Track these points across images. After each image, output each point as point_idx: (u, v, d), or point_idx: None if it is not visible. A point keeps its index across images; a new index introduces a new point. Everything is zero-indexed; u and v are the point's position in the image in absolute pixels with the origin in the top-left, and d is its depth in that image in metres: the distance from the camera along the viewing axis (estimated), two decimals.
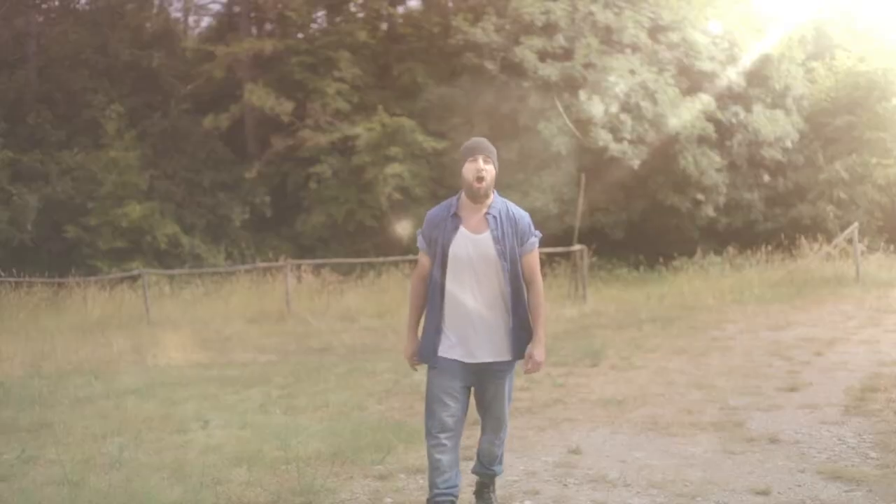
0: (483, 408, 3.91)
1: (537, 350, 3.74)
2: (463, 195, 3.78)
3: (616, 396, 6.91)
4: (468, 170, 3.71)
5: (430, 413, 3.74)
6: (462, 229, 3.73)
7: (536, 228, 3.87)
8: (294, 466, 4.96)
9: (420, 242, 3.85)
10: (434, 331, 3.76)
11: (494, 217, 3.73)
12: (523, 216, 3.80)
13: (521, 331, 3.77)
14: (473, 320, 3.71)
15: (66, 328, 12.30)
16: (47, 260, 18.04)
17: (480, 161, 3.70)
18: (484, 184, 3.70)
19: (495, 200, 3.79)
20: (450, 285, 3.71)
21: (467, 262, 3.69)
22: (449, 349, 3.74)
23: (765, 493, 4.39)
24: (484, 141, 3.79)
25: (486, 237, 3.71)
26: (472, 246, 3.71)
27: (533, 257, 3.80)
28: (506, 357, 3.76)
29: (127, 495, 4.54)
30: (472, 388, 3.83)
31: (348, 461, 5.15)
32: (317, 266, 16.32)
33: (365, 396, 7.25)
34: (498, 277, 3.71)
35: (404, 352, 3.93)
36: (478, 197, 3.71)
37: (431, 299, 3.78)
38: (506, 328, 3.73)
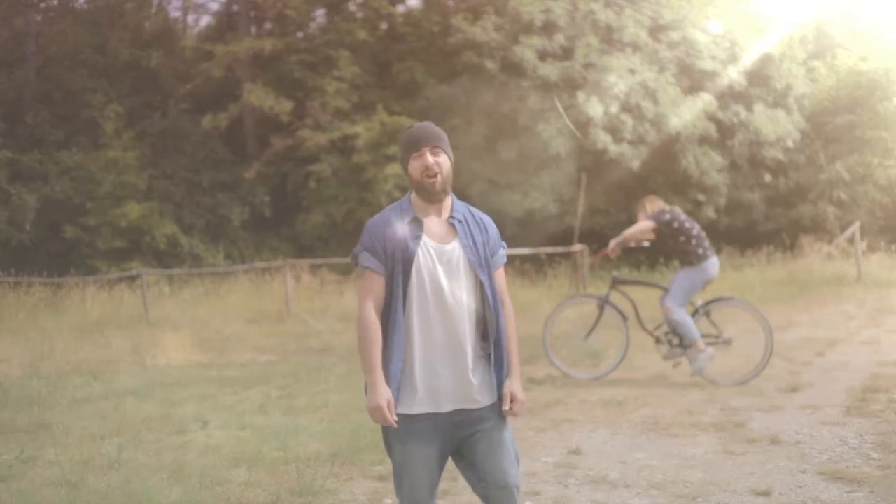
0: (480, 477, 2.91)
1: (517, 386, 2.94)
2: (414, 196, 2.96)
3: (616, 397, 6.90)
4: (414, 168, 2.90)
5: (399, 483, 2.94)
6: (425, 238, 2.88)
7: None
8: (294, 467, 4.95)
9: (365, 259, 2.89)
10: (394, 376, 2.85)
11: (460, 222, 2.94)
12: (490, 221, 3.05)
13: (500, 371, 2.96)
14: (447, 356, 2.86)
15: (64, 328, 12.28)
16: (46, 260, 18.03)
17: (428, 156, 2.89)
18: (439, 178, 2.89)
19: (455, 202, 3.00)
20: (416, 314, 2.85)
21: (435, 282, 2.84)
22: (412, 403, 2.86)
23: (766, 493, 4.38)
24: (427, 126, 2.98)
25: (455, 248, 2.89)
26: (438, 260, 2.87)
27: (502, 273, 3.04)
28: (487, 398, 2.91)
29: (126, 496, 4.52)
30: (462, 452, 2.94)
31: (348, 462, 5.13)
32: (316, 266, 16.30)
33: (364, 397, 7.22)
34: (475, 297, 2.90)
35: (371, 401, 2.81)
36: (433, 195, 2.89)
37: (391, 331, 2.86)
38: (487, 361, 2.92)
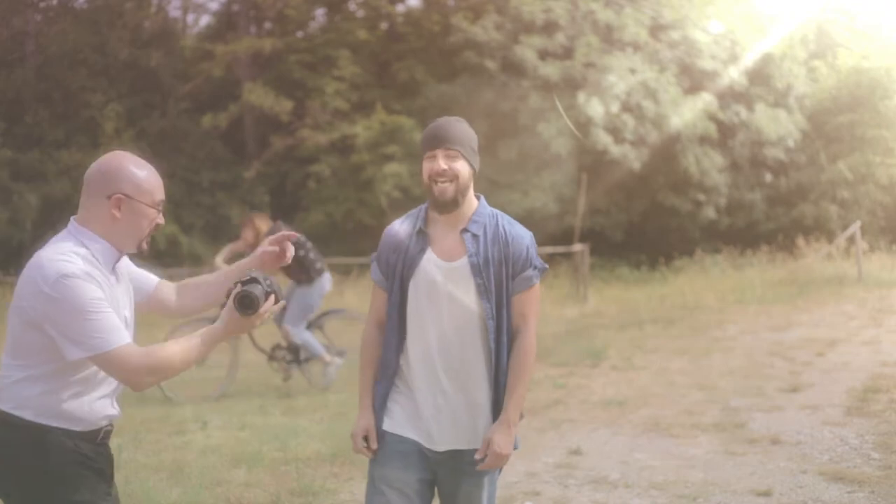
0: None
1: (500, 434, 2.47)
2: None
3: (617, 397, 6.89)
4: (425, 170, 2.54)
5: None
6: (429, 253, 2.54)
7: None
8: (293, 467, 4.94)
9: (374, 272, 2.65)
10: (381, 396, 2.60)
11: (475, 236, 2.54)
12: (520, 236, 2.57)
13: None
14: (438, 389, 2.54)
15: None
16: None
17: (440, 159, 2.51)
18: (449, 187, 2.49)
19: (481, 211, 2.58)
20: (409, 334, 2.56)
21: (433, 302, 2.51)
22: (402, 423, 2.57)
23: (766, 494, 4.37)
24: (447, 124, 2.56)
25: (463, 266, 2.52)
26: (441, 278, 2.52)
27: (528, 298, 2.57)
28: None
29: (125, 496, 4.49)
30: (437, 488, 2.64)
31: (347, 462, 5.12)
32: None
33: None
34: (478, 326, 2.53)
35: (353, 428, 2.60)
36: (440, 205, 2.52)
37: (384, 352, 2.62)
38: (485, 402, 2.55)
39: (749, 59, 18.59)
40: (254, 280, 2.20)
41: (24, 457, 2.17)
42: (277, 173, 20.88)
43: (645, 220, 19.32)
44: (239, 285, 2.20)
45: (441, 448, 2.54)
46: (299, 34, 22.44)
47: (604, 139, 17.38)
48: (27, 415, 2.16)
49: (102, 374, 2.21)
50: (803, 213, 19.10)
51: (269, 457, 5.27)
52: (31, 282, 2.13)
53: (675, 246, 18.54)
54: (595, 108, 17.25)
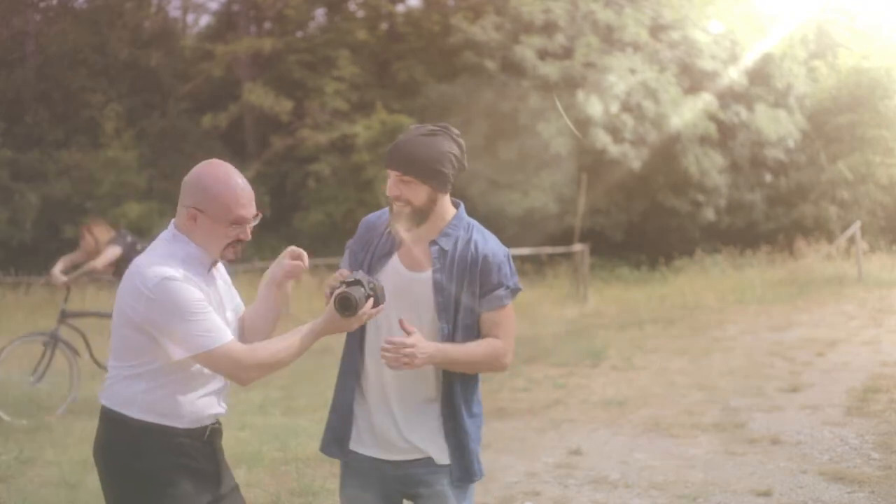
0: None
1: (424, 344, 2.28)
2: None
3: (617, 397, 6.89)
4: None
5: None
6: (395, 259, 2.40)
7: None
8: (293, 467, 4.94)
9: (344, 261, 2.51)
10: (345, 408, 2.44)
11: (443, 250, 2.36)
12: (493, 253, 2.37)
13: (460, 427, 2.38)
14: (393, 395, 2.39)
15: None
16: (45, 260, 18.00)
17: (392, 182, 2.36)
18: (405, 208, 2.34)
19: (455, 223, 2.40)
20: (368, 342, 2.42)
21: (389, 309, 2.32)
22: (362, 441, 2.43)
23: (766, 494, 4.37)
24: (407, 144, 2.35)
25: (426, 279, 2.36)
26: (402, 288, 2.36)
27: (498, 318, 2.37)
28: (437, 456, 2.37)
29: None
30: None
31: None
32: (316, 266, 16.28)
33: None
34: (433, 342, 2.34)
35: None
36: (396, 225, 2.38)
37: (346, 358, 2.48)
38: (438, 414, 2.39)
39: (749, 59, 18.59)
40: (357, 282, 2.21)
41: (123, 456, 2.22)
42: (277, 173, 20.88)
43: (645, 220, 19.32)
44: (343, 286, 2.20)
45: (394, 458, 2.39)
46: (299, 34, 22.45)
47: (603, 139, 17.38)
48: (131, 412, 2.21)
49: (208, 371, 2.24)
50: (803, 213, 19.09)
51: (269, 457, 5.27)
52: (132, 286, 2.20)
53: (675, 246, 18.54)
54: (595, 108, 17.26)
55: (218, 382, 2.31)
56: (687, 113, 17.90)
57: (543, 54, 18.20)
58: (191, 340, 2.14)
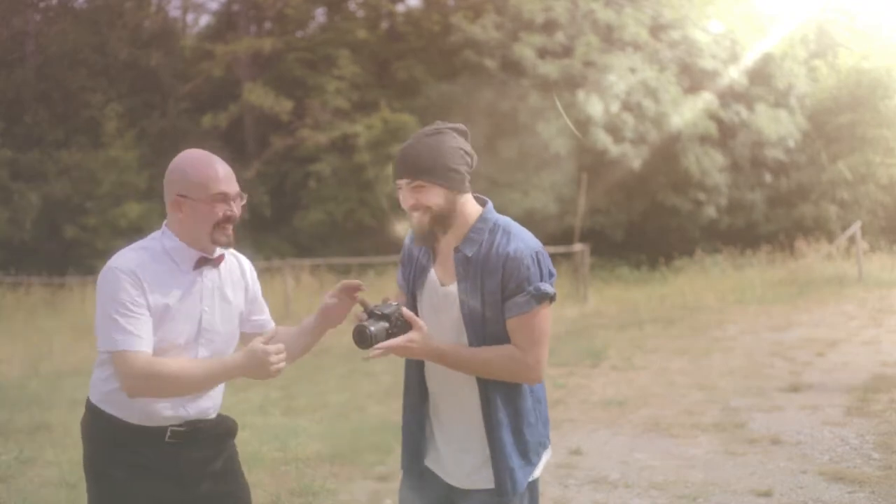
0: None
1: (420, 335, 2.15)
2: None
3: (617, 397, 6.89)
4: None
5: None
6: (432, 274, 2.28)
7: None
8: (293, 467, 4.94)
9: (398, 275, 2.44)
10: (416, 424, 2.35)
11: (466, 257, 2.19)
12: (520, 253, 2.15)
13: (505, 453, 2.20)
14: (444, 420, 2.31)
15: (64, 329, 12.25)
16: (45, 260, 18.01)
17: (405, 193, 2.20)
18: (424, 217, 2.19)
19: (479, 226, 2.22)
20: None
21: (431, 325, 2.21)
22: (433, 457, 2.35)
23: (766, 494, 4.37)
24: (411, 150, 2.20)
25: (453, 293, 2.22)
26: (437, 305, 2.26)
27: (521, 324, 2.15)
28: (482, 485, 2.23)
29: None
30: None
31: (348, 462, 5.12)
32: (316, 266, 16.29)
33: (364, 398, 7.22)
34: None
35: None
36: (421, 239, 2.24)
37: (407, 375, 2.38)
38: (480, 441, 2.24)
39: (749, 59, 18.59)
40: (384, 317, 2.09)
41: (84, 438, 2.30)
42: (277, 173, 20.88)
43: (645, 219, 19.32)
44: (368, 317, 2.10)
45: (450, 483, 2.29)
46: (299, 34, 22.45)
47: (603, 139, 17.38)
48: (93, 397, 2.28)
49: None
50: (803, 213, 19.09)
51: (269, 457, 5.26)
52: None
53: (675, 246, 18.54)
54: (595, 107, 17.26)
55: None
56: (687, 112, 17.90)
57: (543, 53, 18.21)
58: (104, 335, 2.12)
